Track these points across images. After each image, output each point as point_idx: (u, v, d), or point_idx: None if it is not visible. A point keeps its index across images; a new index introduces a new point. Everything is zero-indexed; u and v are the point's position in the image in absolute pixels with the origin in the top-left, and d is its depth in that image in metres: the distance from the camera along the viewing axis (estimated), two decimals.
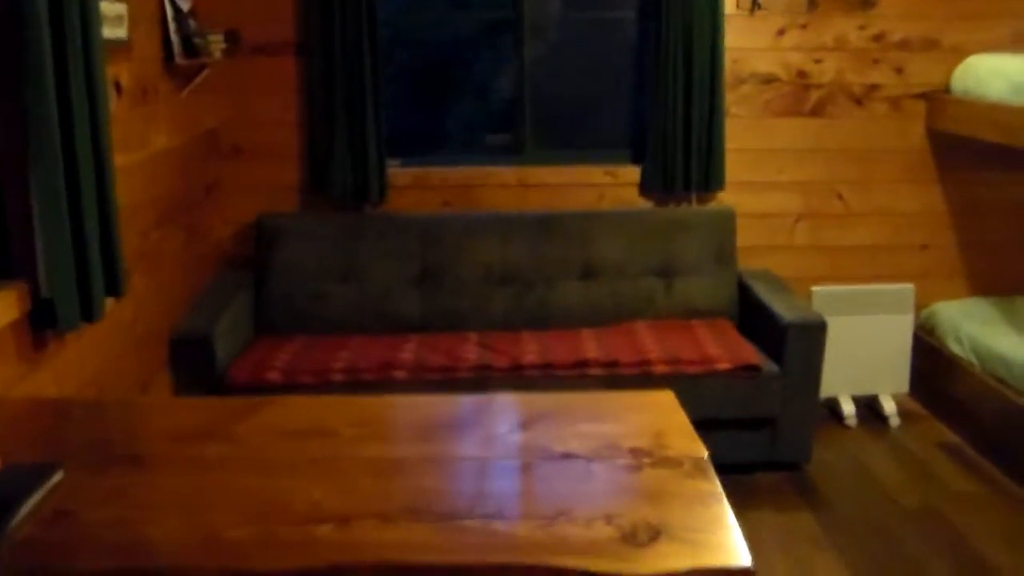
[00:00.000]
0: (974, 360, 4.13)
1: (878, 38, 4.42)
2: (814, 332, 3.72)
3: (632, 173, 4.46)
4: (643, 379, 3.62)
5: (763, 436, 3.78)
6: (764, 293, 4.04)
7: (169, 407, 2.17)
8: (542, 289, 4.19)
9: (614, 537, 1.56)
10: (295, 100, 4.35)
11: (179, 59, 3.72)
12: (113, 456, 1.89)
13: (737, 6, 4.34)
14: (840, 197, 4.55)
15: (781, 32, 4.39)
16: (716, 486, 1.73)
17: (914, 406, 4.52)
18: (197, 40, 3.83)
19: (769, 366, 3.73)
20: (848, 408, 4.36)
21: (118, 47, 3.16)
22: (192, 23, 3.87)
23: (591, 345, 3.83)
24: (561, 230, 4.24)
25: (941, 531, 3.46)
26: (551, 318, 4.16)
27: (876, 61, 4.44)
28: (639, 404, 2.11)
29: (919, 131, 4.51)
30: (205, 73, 4.03)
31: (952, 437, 4.22)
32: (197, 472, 1.82)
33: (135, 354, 3.31)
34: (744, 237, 4.45)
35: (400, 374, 3.65)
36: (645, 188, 4.45)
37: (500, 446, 1.92)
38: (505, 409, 2.10)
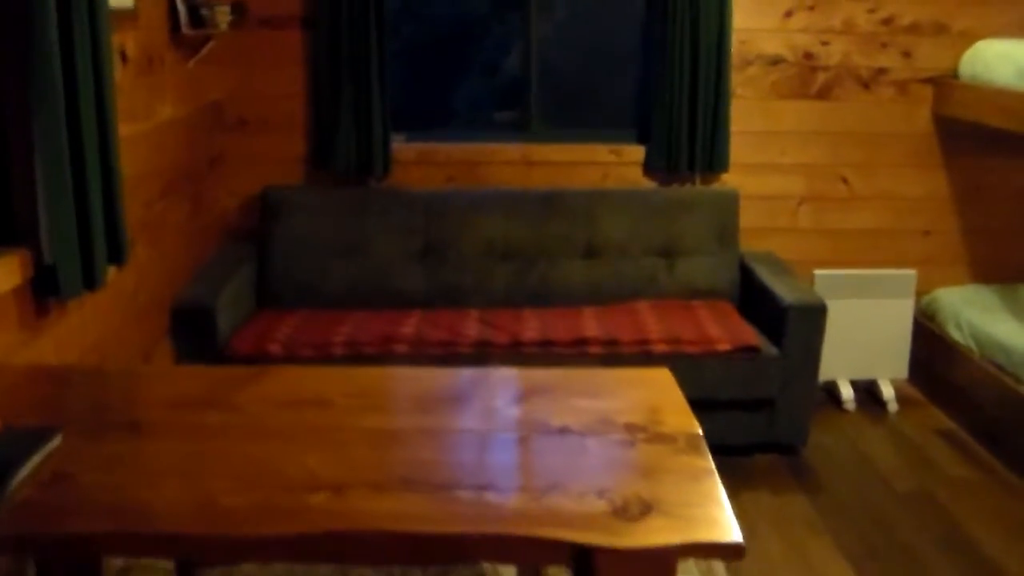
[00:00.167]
0: (973, 347, 4.14)
1: (887, 22, 4.40)
2: (814, 315, 3.72)
3: (637, 152, 4.46)
4: (643, 358, 3.63)
5: (761, 418, 3.80)
6: (766, 275, 4.04)
7: (168, 375, 2.19)
8: (544, 266, 4.20)
9: (605, 511, 1.57)
10: (301, 73, 4.35)
11: (185, 29, 3.72)
12: (112, 422, 1.91)
13: None
14: (844, 181, 4.55)
15: (789, 14, 4.38)
16: (709, 462, 1.74)
17: (913, 392, 4.53)
18: (204, 11, 3.83)
19: (769, 348, 3.74)
20: (847, 392, 4.37)
21: (124, 16, 3.15)
22: None
23: (591, 323, 3.84)
24: (565, 208, 4.24)
25: (936, 516, 3.48)
26: (553, 296, 4.17)
27: (884, 45, 4.43)
28: (635, 381, 2.13)
29: (925, 116, 4.50)
30: (211, 44, 4.03)
31: (949, 423, 4.23)
32: (195, 439, 1.84)
33: (137, 323, 3.32)
34: (747, 219, 4.45)
35: (400, 348, 3.66)
36: (649, 168, 4.45)
37: (496, 419, 1.93)
38: (502, 383, 2.12)
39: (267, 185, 4.28)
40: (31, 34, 2.38)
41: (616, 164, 4.47)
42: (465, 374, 2.17)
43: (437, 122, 4.69)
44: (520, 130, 4.57)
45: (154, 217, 3.50)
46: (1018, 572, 3.13)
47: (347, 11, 4.11)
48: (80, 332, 2.85)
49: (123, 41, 3.16)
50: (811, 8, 4.37)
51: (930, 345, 4.44)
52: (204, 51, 3.98)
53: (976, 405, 4.09)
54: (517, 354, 3.65)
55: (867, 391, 4.50)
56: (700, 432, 1.87)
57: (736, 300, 4.22)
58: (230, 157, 4.38)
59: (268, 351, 3.61)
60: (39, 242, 2.51)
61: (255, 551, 1.59)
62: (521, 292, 4.17)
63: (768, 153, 4.51)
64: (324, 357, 3.61)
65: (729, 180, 4.47)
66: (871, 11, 4.38)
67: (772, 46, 4.41)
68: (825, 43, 4.41)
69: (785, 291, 3.82)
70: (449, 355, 3.64)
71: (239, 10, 4.06)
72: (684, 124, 4.29)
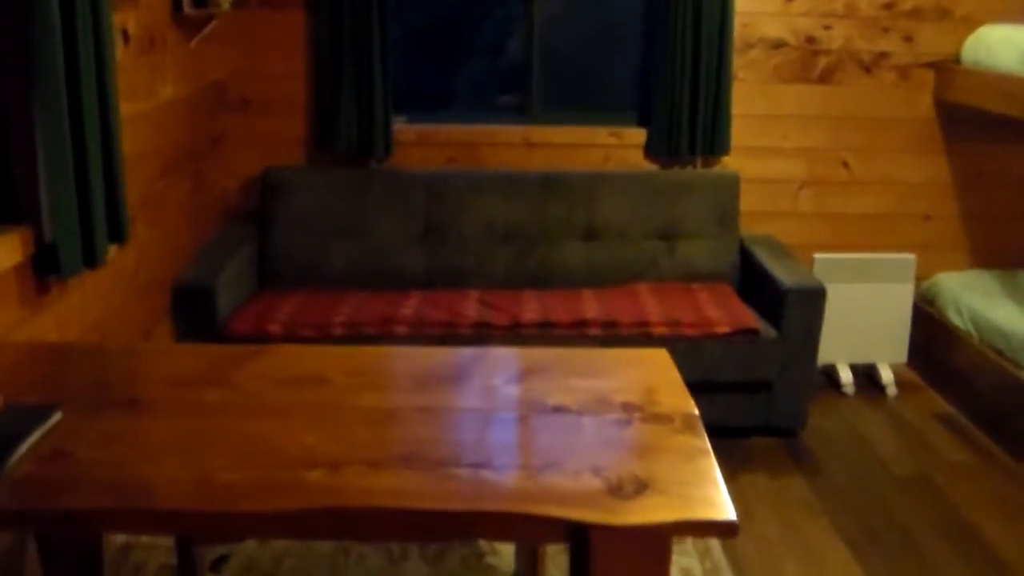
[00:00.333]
0: (973, 332, 4.15)
1: (889, 6, 4.39)
2: (813, 298, 3.73)
3: (638, 135, 4.46)
4: (642, 340, 3.64)
5: (759, 401, 3.81)
6: (765, 258, 4.05)
7: (168, 353, 2.19)
8: (544, 248, 4.20)
9: (600, 489, 1.58)
10: (302, 54, 4.34)
11: (187, 9, 3.72)
12: (111, 399, 1.92)
13: None
14: (845, 165, 4.55)
15: None
16: (704, 442, 1.75)
17: (912, 376, 4.54)
18: None
19: (768, 331, 3.75)
20: (846, 376, 4.38)
21: None
22: None
23: (591, 305, 3.85)
24: (565, 190, 4.24)
25: (934, 500, 3.49)
26: (552, 278, 4.18)
27: (886, 29, 4.42)
28: (633, 361, 2.13)
29: (927, 101, 4.50)
30: (213, 24, 4.02)
31: (948, 408, 4.24)
32: (194, 416, 1.85)
33: (137, 302, 3.33)
34: (748, 202, 4.45)
35: (400, 329, 3.67)
36: (650, 150, 4.45)
37: (493, 398, 1.94)
38: (500, 362, 2.13)
39: (268, 165, 4.28)
40: (32, 13, 2.38)
41: (617, 147, 4.47)
42: (463, 353, 2.18)
43: (439, 104, 4.69)
44: (521, 112, 4.57)
45: (155, 196, 3.50)
46: (1015, 555, 3.15)
47: None
48: (81, 310, 2.86)
49: (124, 20, 3.16)
50: None
51: (929, 330, 4.44)
52: (206, 31, 3.98)
53: (975, 390, 4.10)
54: (516, 336, 3.66)
55: (866, 375, 4.50)
56: (696, 412, 1.87)
57: (736, 283, 4.22)
58: (231, 137, 4.38)
59: (268, 331, 3.62)
60: (40, 220, 2.52)
61: (252, 527, 1.60)
62: (521, 274, 4.18)
63: (769, 137, 4.50)
64: (324, 337, 3.62)
65: (730, 163, 4.47)
66: None
67: (774, 30, 4.40)
68: (827, 27, 4.40)
69: (784, 274, 3.83)
70: (449, 336, 3.65)
71: None
72: (685, 107, 4.28)
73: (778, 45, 4.42)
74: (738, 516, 3.35)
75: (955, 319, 4.29)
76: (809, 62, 4.45)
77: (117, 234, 2.83)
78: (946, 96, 4.41)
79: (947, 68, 4.40)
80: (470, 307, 3.84)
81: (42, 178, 2.49)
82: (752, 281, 4.10)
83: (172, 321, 3.63)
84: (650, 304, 3.86)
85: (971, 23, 4.38)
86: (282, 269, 4.13)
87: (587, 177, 4.28)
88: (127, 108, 3.11)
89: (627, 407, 1.88)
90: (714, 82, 4.28)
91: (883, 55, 4.45)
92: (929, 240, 4.63)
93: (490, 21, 4.71)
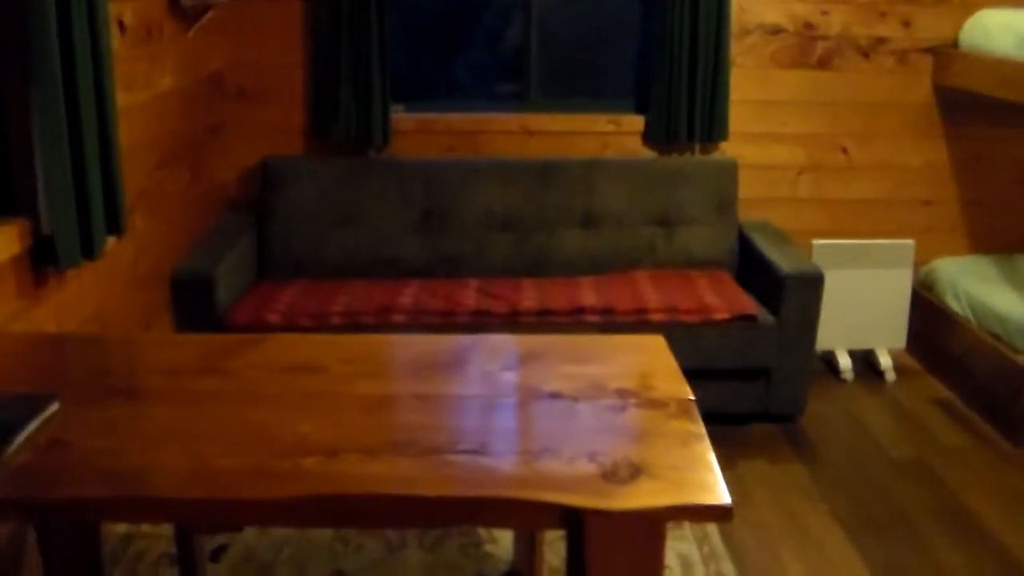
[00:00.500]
0: (971, 317, 4.15)
1: None
2: (812, 284, 3.73)
3: (636, 122, 4.46)
4: (640, 327, 3.64)
5: (758, 387, 3.81)
6: (764, 245, 4.05)
7: (165, 342, 2.20)
8: (543, 236, 4.21)
9: (595, 474, 1.59)
10: (301, 43, 4.34)
11: None
12: (108, 388, 1.93)
13: None
14: (844, 150, 4.54)
15: None
16: (700, 427, 1.76)
17: (910, 362, 4.54)
18: None
19: (766, 317, 3.75)
20: (844, 362, 4.38)
21: None
22: None
23: (589, 293, 3.85)
24: (563, 178, 4.24)
25: (932, 485, 3.50)
26: (551, 265, 4.18)
27: (883, 14, 4.41)
28: (629, 347, 2.14)
29: (925, 86, 4.49)
30: (211, 14, 4.02)
31: (947, 393, 4.25)
32: (190, 405, 1.85)
33: (137, 293, 3.34)
34: (746, 189, 4.45)
35: (399, 318, 3.68)
36: (648, 137, 4.44)
37: (488, 384, 1.95)
38: (496, 349, 2.13)
39: (267, 155, 4.28)
40: (28, 3, 2.38)
41: (615, 134, 4.46)
42: (459, 340, 2.19)
43: (437, 93, 4.69)
44: (519, 100, 4.56)
45: (153, 187, 3.50)
46: (1013, 539, 3.15)
47: None
48: (79, 302, 2.87)
49: (121, 10, 3.16)
50: None
51: (928, 315, 4.44)
52: (203, 20, 3.98)
53: (973, 375, 4.11)
54: (515, 323, 3.67)
55: (865, 361, 4.51)
56: (692, 397, 1.88)
57: (734, 269, 4.23)
58: (229, 127, 4.38)
59: (267, 321, 3.62)
60: (37, 212, 2.53)
61: (249, 514, 1.61)
62: (519, 261, 4.18)
63: (767, 123, 4.50)
64: (322, 327, 3.63)
65: (728, 150, 4.47)
66: None
67: (772, 15, 4.40)
68: (825, 12, 4.40)
69: (783, 260, 3.83)
70: (447, 324, 3.66)
71: None
72: (683, 93, 4.28)
73: (776, 31, 4.41)
74: (736, 502, 3.37)
75: (953, 304, 4.29)
76: (807, 48, 4.44)
77: (115, 225, 2.83)
78: (944, 81, 4.40)
79: (945, 53, 4.40)
80: (469, 295, 3.84)
81: (39, 170, 2.49)
82: (750, 267, 4.11)
83: (172, 312, 3.64)
84: (648, 291, 3.86)
85: (969, 7, 4.37)
86: (281, 259, 4.13)
87: (585, 164, 4.28)
88: (124, 99, 3.11)
89: (622, 393, 1.89)
90: (712, 68, 4.28)
91: (881, 40, 4.44)
92: (928, 225, 4.63)
93: (488, 9, 4.71)
